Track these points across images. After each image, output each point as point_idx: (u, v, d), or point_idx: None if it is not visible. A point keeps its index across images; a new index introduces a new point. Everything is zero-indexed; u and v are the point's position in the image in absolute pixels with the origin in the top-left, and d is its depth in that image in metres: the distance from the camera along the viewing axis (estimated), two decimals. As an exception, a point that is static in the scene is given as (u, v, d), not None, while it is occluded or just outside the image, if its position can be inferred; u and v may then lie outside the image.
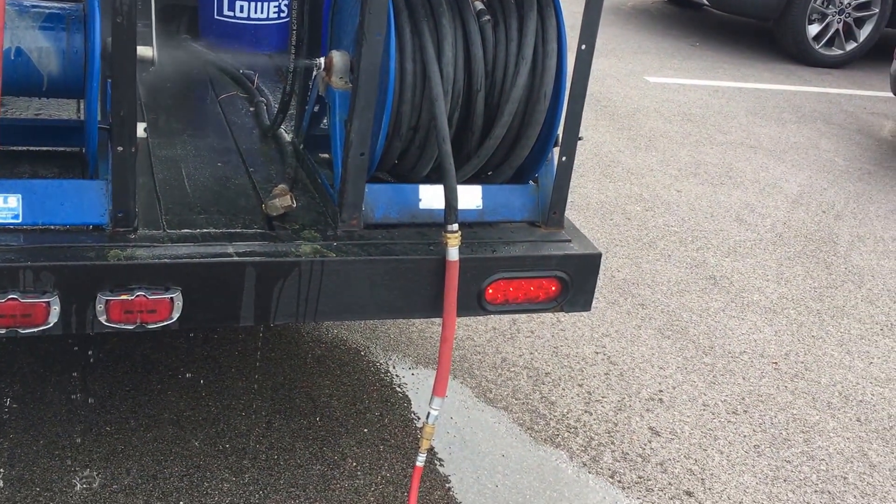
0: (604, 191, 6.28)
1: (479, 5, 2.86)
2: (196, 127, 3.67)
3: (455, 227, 2.77)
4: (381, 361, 4.11)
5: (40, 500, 3.12)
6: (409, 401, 3.88)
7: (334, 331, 4.26)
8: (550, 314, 4.36)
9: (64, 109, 3.49)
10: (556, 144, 3.04)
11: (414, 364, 4.12)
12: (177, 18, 4.91)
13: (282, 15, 4.79)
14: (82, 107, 3.50)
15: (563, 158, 3.00)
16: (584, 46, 2.86)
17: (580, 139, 2.99)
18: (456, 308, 2.83)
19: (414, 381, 4.01)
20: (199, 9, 4.83)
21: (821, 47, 10.36)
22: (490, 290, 2.92)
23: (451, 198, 2.76)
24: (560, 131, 3.00)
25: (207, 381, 3.79)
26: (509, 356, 4.28)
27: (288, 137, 3.57)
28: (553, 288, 2.99)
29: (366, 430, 3.67)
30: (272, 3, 4.73)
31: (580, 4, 2.90)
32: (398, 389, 3.95)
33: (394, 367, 4.08)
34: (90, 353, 3.84)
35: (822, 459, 3.93)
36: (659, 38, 10.86)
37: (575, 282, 3.02)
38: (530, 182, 3.17)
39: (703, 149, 7.39)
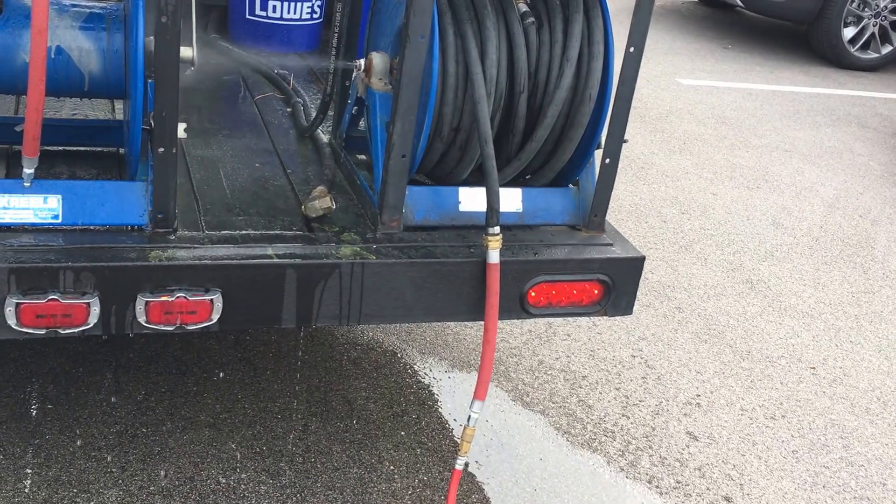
0: (638, 193, 6.23)
1: (524, 7, 2.82)
2: (232, 127, 3.66)
3: (497, 229, 2.74)
4: (418, 364, 4.08)
5: (77, 502, 3.11)
6: (446, 404, 3.86)
7: (370, 333, 4.23)
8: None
9: (98, 109, 3.49)
10: (598, 147, 3.01)
11: (450, 367, 4.09)
12: (205, 18, 4.89)
13: (314, 16, 4.77)
14: (117, 107, 3.50)
15: (607, 161, 2.96)
16: (632, 49, 2.82)
17: (625, 142, 2.96)
18: (498, 311, 2.80)
19: (450, 384, 3.98)
20: (230, 8, 4.81)
21: (856, 50, 10.27)
22: (532, 294, 2.88)
23: (493, 200, 2.73)
24: (604, 134, 2.96)
25: (243, 384, 3.78)
26: (546, 359, 4.25)
27: (325, 138, 3.55)
28: (596, 291, 2.96)
29: (403, 433, 3.64)
30: (305, 4, 4.71)
31: (618, 2, 2.86)
32: (435, 392, 3.92)
33: (430, 370, 4.05)
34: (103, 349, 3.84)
35: (861, 465, 3.88)
36: (690, 39, 10.79)
37: (617, 285, 2.98)
38: (570, 185, 3.13)
39: (739, 152, 7.32)
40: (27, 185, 2.52)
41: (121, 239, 2.59)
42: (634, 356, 4.38)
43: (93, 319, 2.48)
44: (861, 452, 3.96)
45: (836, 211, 6.45)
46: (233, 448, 3.44)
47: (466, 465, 3.49)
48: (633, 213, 5.89)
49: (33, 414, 3.46)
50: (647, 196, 6.22)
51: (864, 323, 5.00)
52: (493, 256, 2.75)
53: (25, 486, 3.13)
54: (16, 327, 2.41)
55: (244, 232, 2.78)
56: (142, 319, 2.53)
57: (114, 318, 2.52)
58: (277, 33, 4.73)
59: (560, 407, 3.95)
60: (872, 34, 10.24)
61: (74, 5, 2.72)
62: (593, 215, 3.06)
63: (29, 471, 3.20)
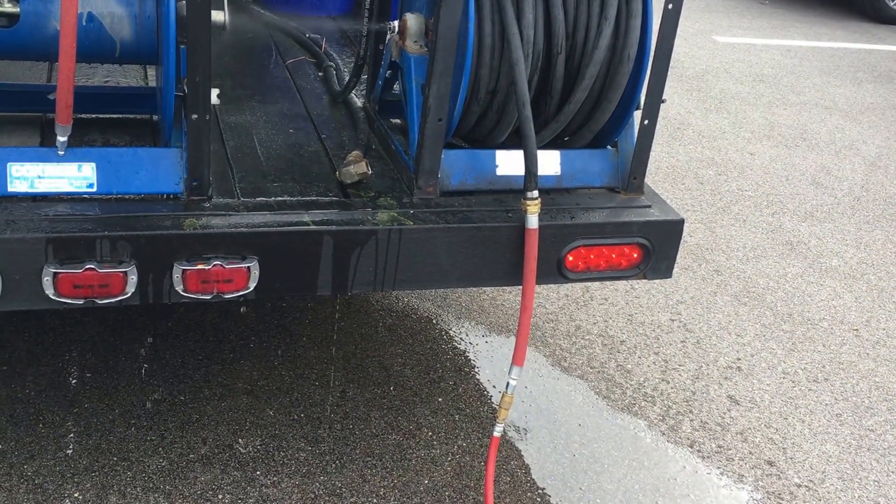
0: (674, 154, 6.15)
1: (560, -36, 2.75)
2: (265, 93, 3.62)
3: (535, 193, 2.69)
4: (454, 330, 4.06)
5: (118, 469, 3.12)
6: (484, 369, 3.83)
7: (405, 299, 4.21)
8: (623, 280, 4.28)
9: (130, 76, 3.46)
10: (636, 107, 2.95)
11: (487, 332, 4.06)
12: None
13: (346, -22, 4.71)
14: (149, 73, 3.47)
15: (646, 122, 2.90)
16: (670, 6, 2.76)
17: (663, 101, 2.89)
18: (536, 276, 2.75)
19: (487, 349, 3.95)
20: (260, -29, 4.76)
21: (896, 4, 10.08)
22: (570, 258, 2.84)
23: (531, 164, 2.68)
24: (642, 94, 2.90)
25: (280, 351, 3.77)
26: (583, 324, 4.21)
27: (359, 103, 3.50)
28: (635, 255, 2.91)
29: (440, 399, 3.62)
30: (336, -34, 4.65)
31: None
32: (471, 358, 3.89)
33: (466, 335, 4.03)
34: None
35: (907, 429, 3.83)
36: (726, -4, 10.63)
37: (657, 248, 2.93)
38: (609, 147, 3.08)
39: (776, 110, 7.21)
40: (61, 153, 2.50)
41: (156, 207, 2.57)
42: (673, 320, 4.33)
43: (130, 289, 2.46)
44: (905, 415, 3.91)
45: (877, 169, 6.34)
46: (271, 415, 3.43)
47: (505, 431, 3.47)
48: (669, 175, 5.82)
49: (72, 383, 3.47)
50: (683, 157, 6.13)
51: (907, 283, 4.93)
52: (532, 221, 2.71)
53: (67, 455, 3.14)
54: (54, 297, 2.40)
55: (279, 198, 2.75)
56: (179, 288, 2.51)
57: (151, 287, 2.50)
58: (308, -4, 4.67)
59: (599, 372, 3.91)
60: (914, -12, 10.05)
61: (105, -29, 2.69)
62: (632, 177, 3.01)
63: (69, 439, 3.21)
